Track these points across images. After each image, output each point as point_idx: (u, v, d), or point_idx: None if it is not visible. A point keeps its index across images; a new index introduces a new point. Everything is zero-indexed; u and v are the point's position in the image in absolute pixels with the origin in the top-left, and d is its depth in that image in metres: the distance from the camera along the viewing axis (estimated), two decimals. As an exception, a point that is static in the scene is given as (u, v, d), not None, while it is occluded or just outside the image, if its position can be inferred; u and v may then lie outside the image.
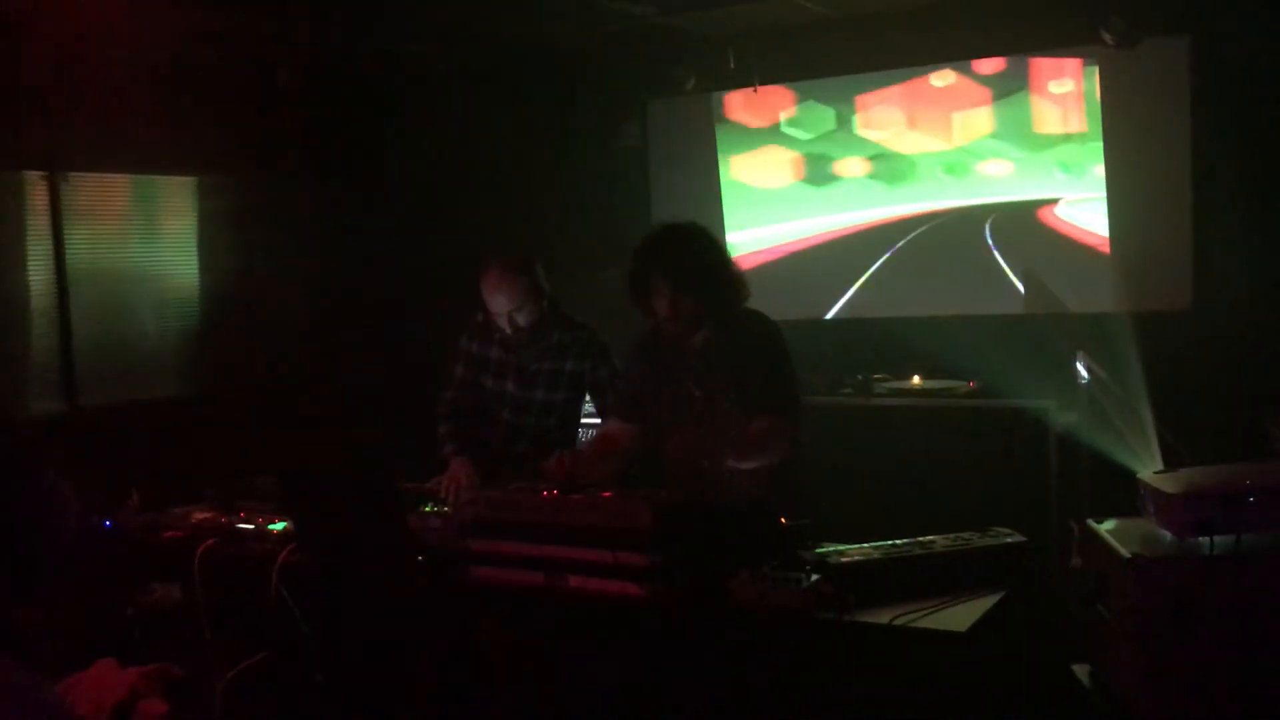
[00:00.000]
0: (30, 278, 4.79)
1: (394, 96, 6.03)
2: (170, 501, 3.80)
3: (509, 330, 3.84)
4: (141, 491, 3.79)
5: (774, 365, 3.36)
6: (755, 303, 3.54)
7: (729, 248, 6.14)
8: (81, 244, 4.93)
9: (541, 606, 2.91)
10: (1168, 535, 2.89)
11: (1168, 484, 2.94)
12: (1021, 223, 5.67)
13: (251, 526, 3.50)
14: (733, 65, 5.95)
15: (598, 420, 4.19)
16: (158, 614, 3.53)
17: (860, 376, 5.40)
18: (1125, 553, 2.82)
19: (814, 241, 6.18)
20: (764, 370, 3.34)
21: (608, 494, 3.00)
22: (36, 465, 1.80)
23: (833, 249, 6.13)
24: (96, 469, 3.91)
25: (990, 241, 5.73)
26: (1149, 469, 3.22)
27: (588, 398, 4.10)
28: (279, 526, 3.43)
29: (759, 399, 3.31)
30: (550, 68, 6.33)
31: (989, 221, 5.74)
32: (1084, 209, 5.52)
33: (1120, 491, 3.45)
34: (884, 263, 5.98)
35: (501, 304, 3.79)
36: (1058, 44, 5.47)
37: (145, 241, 5.23)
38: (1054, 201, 5.59)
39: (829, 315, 6.08)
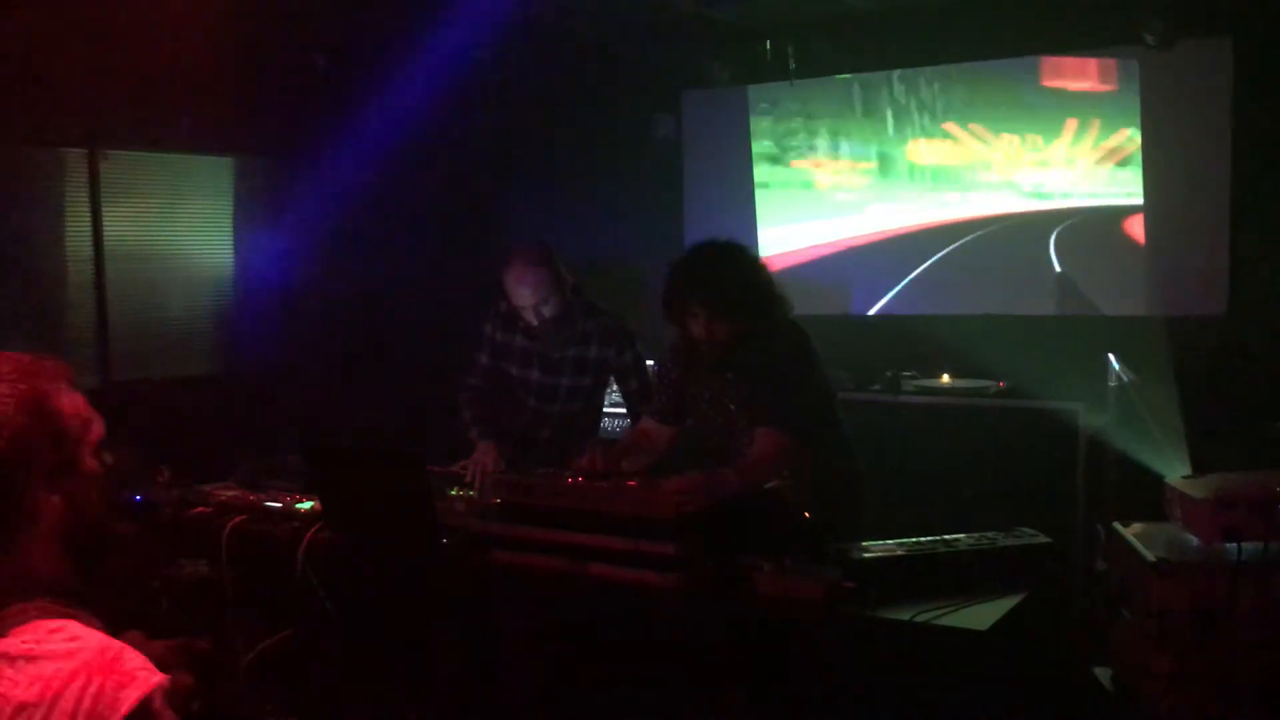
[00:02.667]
0: (68, 253, 4.85)
1: (428, 83, 6.04)
2: (199, 478, 3.84)
3: (535, 322, 3.84)
4: (171, 467, 3.83)
5: (784, 377, 3.29)
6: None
7: (759, 243, 6.23)
8: (119, 221, 4.99)
9: (563, 592, 2.92)
10: (1194, 540, 2.88)
11: (1196, 489, 2.92)
12: (1058, 225, 5.62)
13: (279, 505, 3.53)
14: (769, 58, 5.93)
15: (622, 410, 4.21)
16: (184, 589, 3.57)
17: (889, 373, 5.38)
18: (1150, 557, 2.81)
19: (844, 243, 6.15)
20: (773, 382, 3.29)
21: (633, 482, 3.01)
22: None
23: (864, 249, 6.10)
24: (127, 444, 3.97)
25: (1026, 242, 5.69)
26: (1177, 473, 3.20)
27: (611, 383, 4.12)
28: (306, 505, 3.47)
29: (761, 411, 3.28)
30: (587, 56, 6.33)
31: (1026, 223, 5.69)
32: (1122, 211, 5.47)
33: (1147, 495, 3.44)
34: (908, 258, 5.95)
35: (526, 297, 3.79)
36: (1098, 44, 5.42)
37: (181, 220, 5.28)
38: (1095, 205, 5.54)
39: (858, 313, 6.06)
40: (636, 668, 2.86)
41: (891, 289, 6.00)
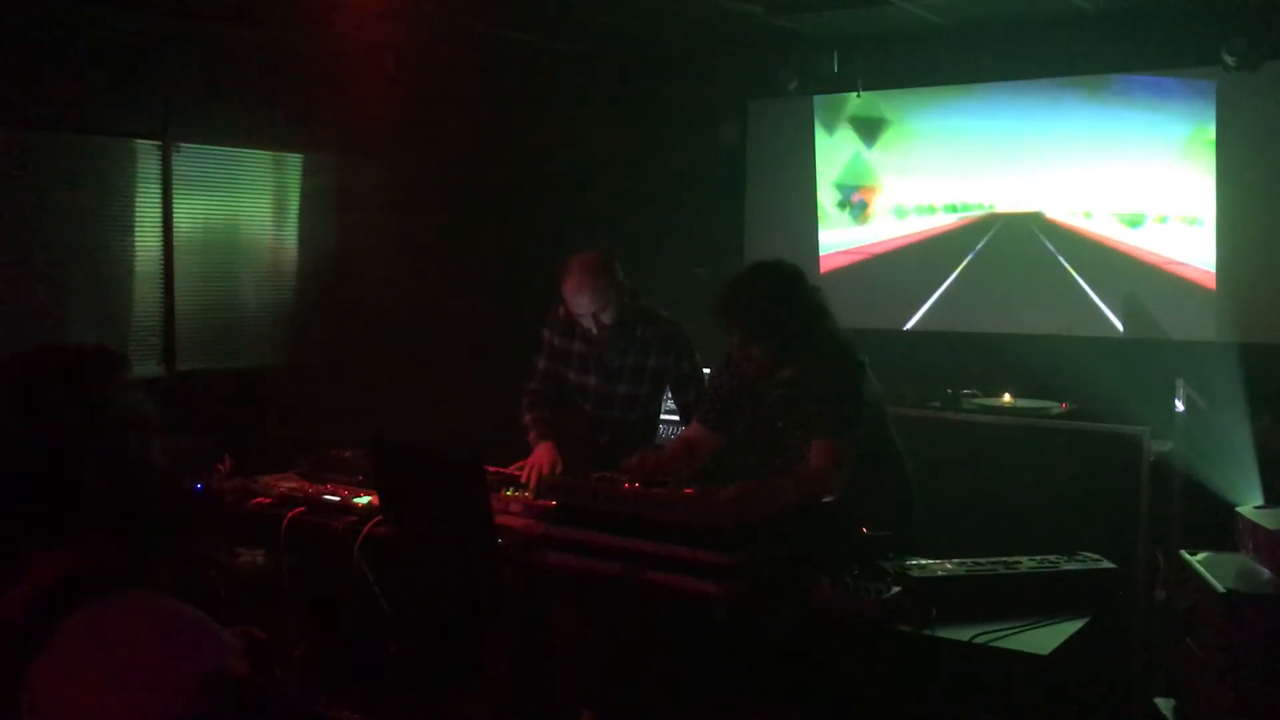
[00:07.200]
0: (138, 243, 4.92)
1: (497, 84, 6.07)
2: (260, 469, 3.88)
3: (595, 330, 3.83)
4: (233, 458, 3.87)
5: (834, 392, 3.25)
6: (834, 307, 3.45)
7: (818, 255, 6.18)
8: (189, 213, 5.06)
9: (616, 597, 2.91)
10: (1266, 572, 2.81)
11: (1269, 519, 2.85)
12: (1125, 246, 5.53)
13: (338, 498, 3.56)
14: (837, 69, 5.89)
15: (676, 416, 4.19)
16: (241, 578, 3.61)
17: (949, 390, 5.30)
18: (1220, 587, 2.74)
19: (906, 258, 6.08)
20: (824, 397, 3.25)
21: (689, 490, 2.99)
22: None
23: (927, 265, 6.03)
24: (191, 433, 4.03)
25: (1092, 263, 5.60)
26: (1249, 503, 3.13)
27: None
28: (364, 500, 3.49)
29: (818, 424, 3.24)
30: (655, 62, 6.33)
31: (1093, 243, 5.60)
32: (1190, 233, 5.37)
33: (1211, 524, 3.36)
34: (973, 276, 5.87)
35: (585, 305, 3.78)
36: (1175, 64, 5.32)
37: (250, 214, 5.34)
38: (1166, 227, 5.44)
39: (918, 328, 5.99)
40: (687, 676, 2.84)
41: (954, 305, 5.93)
